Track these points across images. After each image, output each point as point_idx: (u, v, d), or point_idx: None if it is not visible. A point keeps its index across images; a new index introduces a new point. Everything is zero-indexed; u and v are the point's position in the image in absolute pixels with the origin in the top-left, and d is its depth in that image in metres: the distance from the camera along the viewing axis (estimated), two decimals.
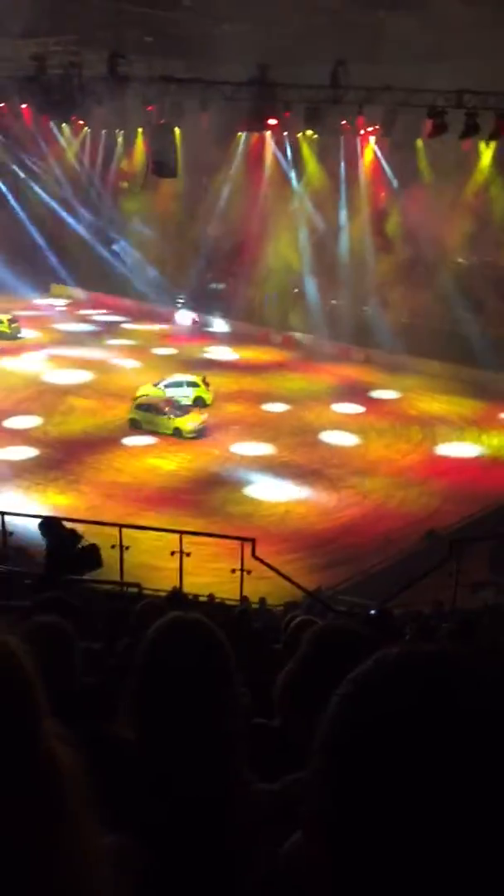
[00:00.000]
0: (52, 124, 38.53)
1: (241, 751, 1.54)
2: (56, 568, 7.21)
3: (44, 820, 0.93)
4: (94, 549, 7.64)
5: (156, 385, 29.93)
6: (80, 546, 7.54)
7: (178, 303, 42.73)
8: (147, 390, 29.43)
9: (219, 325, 41.22)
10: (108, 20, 17.86)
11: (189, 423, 27.28)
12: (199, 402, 29.36)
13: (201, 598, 13.61)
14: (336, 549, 20.02)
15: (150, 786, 1.48)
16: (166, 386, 29.91)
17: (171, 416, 27.23)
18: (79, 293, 45.16)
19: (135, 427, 27.39)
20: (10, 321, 38.20)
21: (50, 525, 7.89)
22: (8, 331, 37.60)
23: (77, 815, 0.98)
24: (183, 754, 1.46)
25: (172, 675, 1.50)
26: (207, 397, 29.92)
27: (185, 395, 29.53)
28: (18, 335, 37.86)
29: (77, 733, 1.01)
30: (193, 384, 30.34)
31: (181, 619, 1.59)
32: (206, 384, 30.43)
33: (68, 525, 8.35)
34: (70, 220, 44.29)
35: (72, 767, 0.99)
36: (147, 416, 27.50)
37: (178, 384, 30.21)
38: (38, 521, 8.09)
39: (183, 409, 27.92)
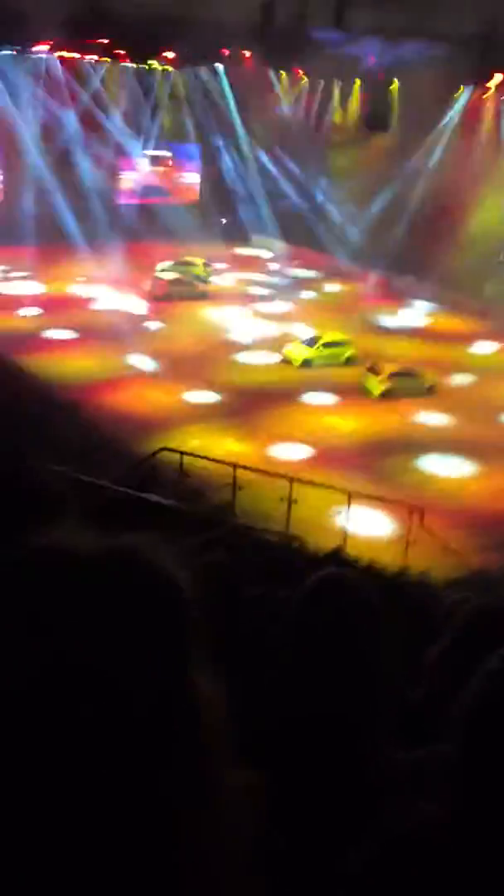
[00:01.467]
0: (270, 72, 38.69)
1: (384, 716, 1.55)
2: None
3: (182, 751, 0.90)
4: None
5: (305, 342, 30.22)
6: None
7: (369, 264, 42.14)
8: (295, 349, 29.95)
9: (413, 288, 40.23)
10: None
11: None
12: (350, 361, 29.73)
13: (361, 563, 13.62)
14: None
15: (289, 726, 1.51)
16: (324, 345, 30.12)
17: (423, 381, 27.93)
18: (279, 245, 45.42)
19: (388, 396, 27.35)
20: (205, 265, 39.18)
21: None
22: (203, 273, 38.61)
23: (213, 748, 0.95)
24: (325, 706, 1.48)
25: (322, 627, 1.52)
26: (355, 354, 30.07)
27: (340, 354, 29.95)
28: (210, 279, 38.75)
29: (226, 669, 1.02)
30: (343, 342, 30.36)
31: (339, 575, 1.60)
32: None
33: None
34: (275, 172, 44.51)
35: (212, 700, 0.97)
36: (403, 381, 27.79)
37: (336, 343, 30.26)
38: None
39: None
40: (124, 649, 0.85)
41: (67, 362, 28.29)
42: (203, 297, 36.13)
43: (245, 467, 15.10)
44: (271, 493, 14.62)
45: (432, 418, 26.25)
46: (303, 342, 30.63)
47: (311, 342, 30.44)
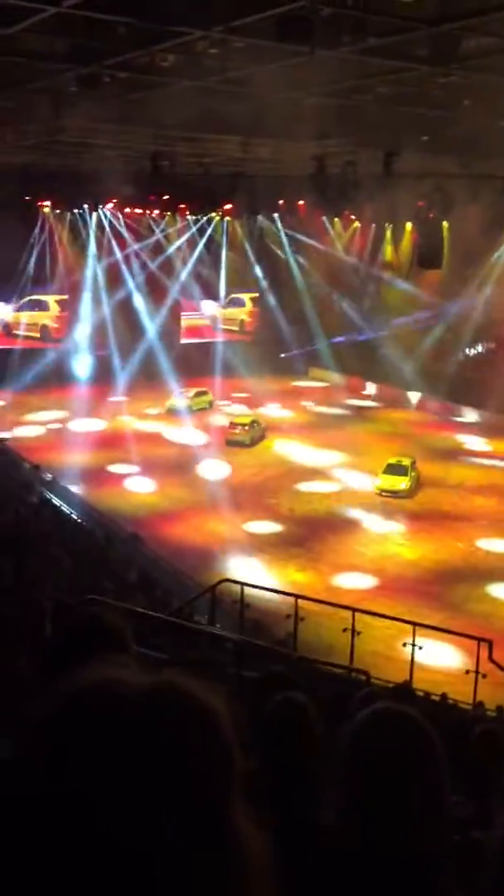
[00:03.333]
0: (324, 218, 40.65)
1: (444, 866, 1.47)
2: None
3: None
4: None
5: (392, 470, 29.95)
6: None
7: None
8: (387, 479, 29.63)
9: (470, 414, 40.35)
10: (387, 122, 18.62)
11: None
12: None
13: (433, 697, 13.09)
14: None
15: (347, 880, 1.45)
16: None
17: None
18: (336, 377, 46.37)
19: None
20: (202, 394, 40.42)
21: None
22: (207, 407, 39.98)
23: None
24: (379, 859, 1.41)
25: (373, 769, 1.45)
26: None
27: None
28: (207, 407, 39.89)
29: (280, 815, 0.97)
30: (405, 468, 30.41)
31: (389, 710, 1.56)
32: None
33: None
34: (338, 306, 46.03)
35: (259, 852, 0.89)
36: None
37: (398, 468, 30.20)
38: None
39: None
40: (159, 795, 0.82)
41: (131, 496, 28.82)
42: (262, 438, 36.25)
43: (307, 598, 14.88)
44: (335, 624, 14.32)
45: (500, 544, 25.70)
46: (388, 471, 29.90)
47: (401, 469, 29.93)
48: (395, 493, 29.01)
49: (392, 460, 30.35)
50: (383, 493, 29.15)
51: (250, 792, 0.92)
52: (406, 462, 30.27)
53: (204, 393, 40.94)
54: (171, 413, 38.46)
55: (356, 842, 1.45)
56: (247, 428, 34.72)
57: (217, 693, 0.93)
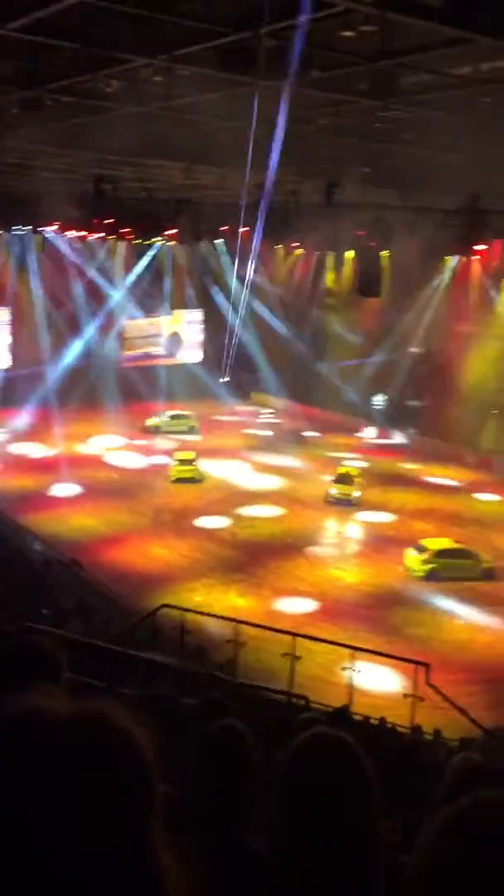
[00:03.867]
0: (268, 246, 41.08)
1: (375, 890, 1.48)
2: None
3: None
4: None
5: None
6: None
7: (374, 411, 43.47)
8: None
9: (411, 441, 41.03)
10: (329, 154, 18.98)
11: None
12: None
13: (372, 721, 13.15)
14: None
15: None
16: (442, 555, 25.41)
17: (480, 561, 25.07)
18: (278, 402, 46.68)
19: (432, 580, 24.47)
20: (182, 417, 40.48)
21: None
22: (195, 425, 40.25)
23: None
24: (308, 883, 1.41)
25: (306, 794, 1.46)
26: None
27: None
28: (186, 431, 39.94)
29: (212, 841, 0.98)
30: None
31: (323, 735, 1.57)
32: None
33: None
34: (279, 332, 46.45)
35: (177, 882, 0.90)
36: (448, 562, 24.80)
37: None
38: None
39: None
40: (80, 822, 0.83)
41: (70, 520, 28.43)
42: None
43: (247, 622, 14.85)
44: (277, 649, 14.31)
45: None
46: (340, 480, 31.49)
47: (349, 479, 31.58)
48: (348, 502, 30.62)
49: (342, 470, 32.38)
50: (337, 502, 30.67)
51: (175, 821, 0.94)
52: (354, 472, 32.52)
53: (184, 416, 40.85)
54: (150, 433, 38.54)
55: (287, 866, 1.45)
56: (193, 464, 33.76)
57: (140, 723, 0.94)
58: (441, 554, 25.01)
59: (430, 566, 24.79)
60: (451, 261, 37.96)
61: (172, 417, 40.58)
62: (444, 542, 25.83)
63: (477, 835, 0.70)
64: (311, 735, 1.57)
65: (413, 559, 25.30)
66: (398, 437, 41.67)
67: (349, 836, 1.43)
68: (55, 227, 34.90)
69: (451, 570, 24.52)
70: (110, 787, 0.87)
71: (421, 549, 25.38)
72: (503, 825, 0.70)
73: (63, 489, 31.52)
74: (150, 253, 43.73)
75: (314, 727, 1.66)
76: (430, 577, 24.57)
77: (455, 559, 25.00)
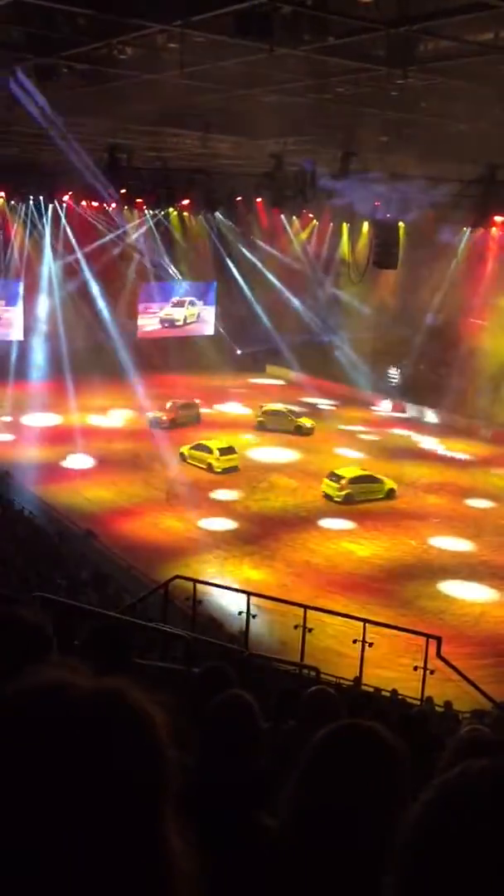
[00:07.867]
0: (282, 217, 40.68)
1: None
2: None
3: None
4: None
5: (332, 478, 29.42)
6: None
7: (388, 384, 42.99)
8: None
9: (426, 414, 40.83)
10: (346, 123, 18.70)
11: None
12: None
13: (384, 693, 13.22)
14: None
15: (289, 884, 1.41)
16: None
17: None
18: (293, 375, 46.48)
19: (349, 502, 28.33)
20: (189, 406, 38.44)
21: None
22: (194, 421, 37.70)
23: None
24: (331, 867, 1.37)
25: (334, 787, 1.41)
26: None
27: None
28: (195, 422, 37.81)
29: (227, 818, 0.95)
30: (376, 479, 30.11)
31: (355, 727, 1.50)
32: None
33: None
34: (293, 304, 46.05)
35: (185, 871, 0.89)
36: (360, 487, 28.74)
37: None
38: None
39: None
40: (93, 802, 0.83)
41: (86, 491, 28.54)
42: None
43: (259, 594, 14.92)
44: (289, 622, 14.38)
45: (451, 543, 26.04)
46: (330, 478, 29.38)
47: (336, 478, 29.24)
48: (332, 499, 28.84)
49: (339, 471, 29.76)
50: (327, 497, 29.18)
51: (186, 802, 0.92)
52: (348, 473, 29.72)
53: (191, 405, 38.37)
54: (151, 427, 35.95)
55: (300, 842, 1.43)
56: (236, 453, 32.30)
57: (157, 703, 0.93)
58: (354, 480, 28.86)
59: (345, 491, 28.47)
60: (468, 232, 37.48)
61: (181, 408, 37.76)
62: (355, 471, 29.78)
63: (462, 806, 0.70)
64: (338, 726, 1.51)
65: (331, 486, 28.74)
66: (412, 411, 41.45)
67: (370, 819, 1.38)
68: (69, 197, 34.73)
69: (363, 493, 28.64)
70: (123, 770, 0.86)
71: (337, 478, 28.89)
72: (489, 795, 0.70)
73: (78, 461, 31.62)
74: (165, 223, 43.34)
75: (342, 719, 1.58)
76: (347, 500, 28.26)
77: (365, 483, 28.95)
